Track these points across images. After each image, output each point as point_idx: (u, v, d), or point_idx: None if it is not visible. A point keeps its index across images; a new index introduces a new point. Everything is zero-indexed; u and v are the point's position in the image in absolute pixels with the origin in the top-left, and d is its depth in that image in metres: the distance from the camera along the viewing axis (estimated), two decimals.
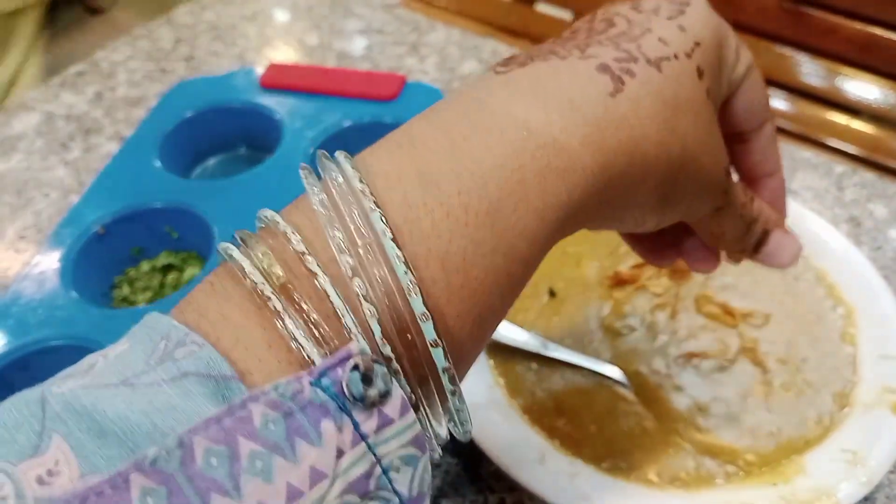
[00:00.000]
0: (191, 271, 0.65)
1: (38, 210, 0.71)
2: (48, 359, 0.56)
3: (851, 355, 0.53)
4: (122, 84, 0.85)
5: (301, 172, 0.27)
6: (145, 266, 0.65)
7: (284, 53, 0.88)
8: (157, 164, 0.69)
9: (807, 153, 0.72)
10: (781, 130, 1.20)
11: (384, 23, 0.92)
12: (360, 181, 0.25)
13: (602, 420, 0.51)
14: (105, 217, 0.65)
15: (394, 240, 0.24)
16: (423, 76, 0.83)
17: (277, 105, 0.74)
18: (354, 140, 0.72)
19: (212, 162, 0.77)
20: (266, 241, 0.25)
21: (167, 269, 0.65)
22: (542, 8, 1.41)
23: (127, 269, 0.66)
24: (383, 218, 0.24)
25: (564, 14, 1.33)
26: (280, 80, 0.76)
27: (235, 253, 0.25)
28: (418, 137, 0.27)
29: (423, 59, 0.85)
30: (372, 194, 0.25)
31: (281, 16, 0.95)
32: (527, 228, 0.26)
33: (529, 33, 1.41)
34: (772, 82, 1.25)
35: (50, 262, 0.61)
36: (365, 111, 0.73)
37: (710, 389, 0.52)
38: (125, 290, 0.64)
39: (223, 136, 0.76)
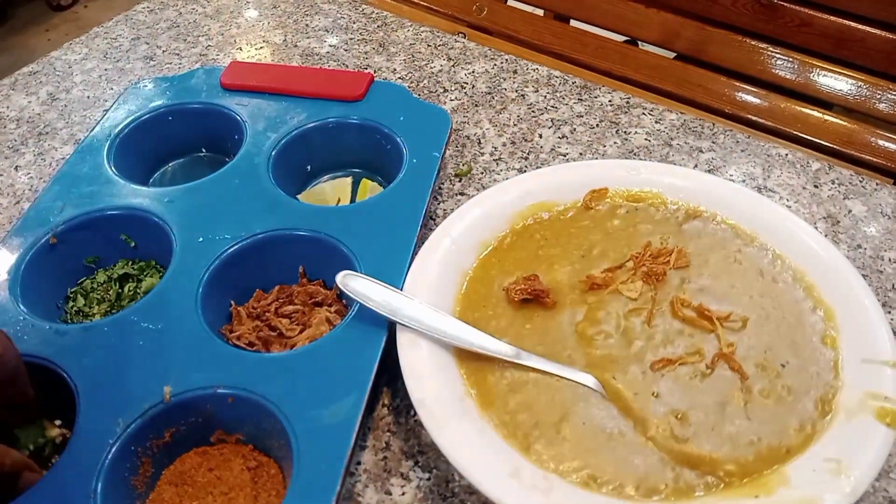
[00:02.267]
0: (149, 281, 0.62)
1: None
2: None
3: (833, 359, 0.51)
4: (78, 85, 0.81)
5: None
6: (101, 276, 0.62)
7: (248, 52, 0.85)
8: (113, 168, 0.67)
9: (783, 150, 0.71)
10: (755, 125, 1.20)
11: (351, 20, 0.89)
12: None
13: (577, 431, 0.49)
14: (57, 225, 0.62)
15: None
16: (392, 74, 0.80)
17: (239, 106, 0.71)
18: (319, 141, 0.70)
19: (171, 165, 0.74)
20: None
21: (124, 279, 0.62)
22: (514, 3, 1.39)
23: (81, 279, 0.63)
24: None
25: (537, 10, 1.31)
26: (242, 80, 0.73)
27: None
28: None
29: (391, 56, 0.83)
30: None
31: (245, 13, 0.92)
32: None
33: (502, 31, 1.39)
34: (745, 77, 1.25)
35: None
36: (330, 111, 0.70)
37: (688, 397, 0.50)
38: (80, 302, 0.61)
39: (183, 138, 0.73)
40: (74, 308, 0.61)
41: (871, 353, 0.51)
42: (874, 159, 1.13)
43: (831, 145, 1.16)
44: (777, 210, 0.60)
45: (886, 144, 1.14)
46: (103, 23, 0.91)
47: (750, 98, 1.24)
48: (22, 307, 0.56)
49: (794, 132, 1.19)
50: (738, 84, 1.25)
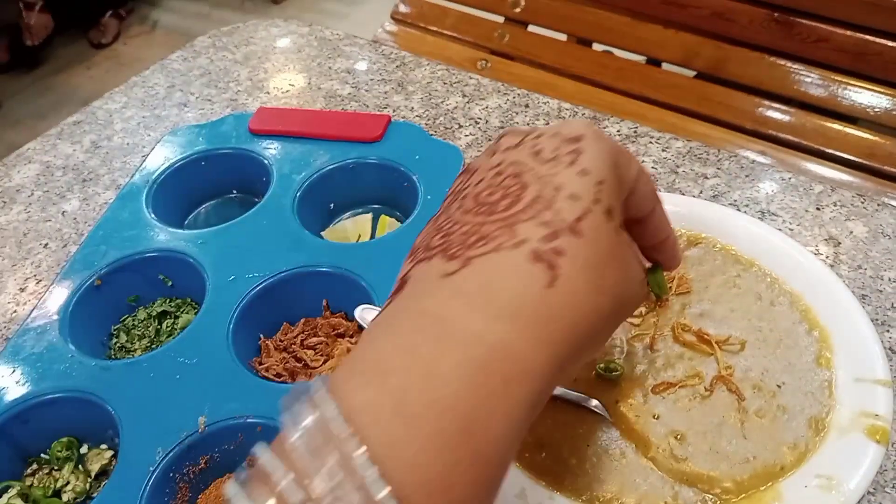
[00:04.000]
0: (185, 318, 0.67)
1: (37, 261, 0.73)
2: (47, 412, 0.58)
3: (827, 379, 0.54)
4: (118, 132, 0.87)
5: (282, 417, 0.28)
6: (142, 314, 0.67)
7: (275, 95, 0.90)
8: (151, 212, 0.72)
9: (787, 174, 0.73)
10: (777, 140, 1.21)
11: (371, 61, 0.94)
12: (343, 422, 0.27)
13: (582, 452, 0.52)
14: (101, 268, 0.67)
15: (381, 475, 0.26)
16: (409, 113, 0.85)
17: (266, 149, 0.76)
18: (340, 180, 0.74)
19: (206, 206, 0.79)
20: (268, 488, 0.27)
21: (163, 315, 0.67)
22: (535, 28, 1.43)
23: (124, 317, 0.68)
24: (369, 457, 0.26)
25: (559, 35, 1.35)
26: (268, 125, 0.78)
27: None
28: (389, 366, 0.29)
29: (409, 95, 0.87)
30: (355, 434, 0.26)
31: (271, 58, 0.97)
32: (498, 435, 0.28)
33: (524, 56, 1.43)
34: (765, 93, 1.26)
35: (48, 314, 0.63)
36: (350, 152, 0.75)
37: (687, 418, 0.53)
38: (122, 338, 0.66)
39: (215, 181, 0.78)
40: (118, 344, 0.66)
41: (863, 373, 0.53)
42: None
43: (854, 158, 1.17)
44: (775, 235, 0.62)
45: None
46: (141, 71, 0.97)
47: (770, 113, 1.26)
48: (71, 346, 0.61)
49: (816, 146, 1.20)
50: (758, 100, 1.27)
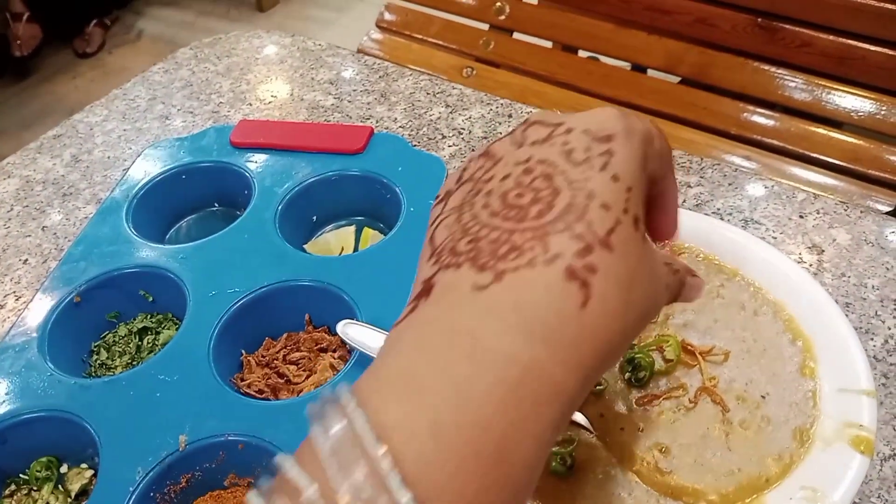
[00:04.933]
0: (167, 333, 0.66)
1: (16, 277, 0.73)
2: (26, 431, 0.57)
3: (811, 390, 0.54)
4: (99, 146, 0.87)
5: (311, 428, 0.28)
6: (122, 330, 0.67)
7: (257, 107, 0.90)
8: (131, 227, 0.71)
9: (769, 182, 0.73)
10: (761, 145, 1.22)
11: (354, 72, 0.94)
12: (376, 441, 0.26)
13: (565, 466, 0.52)
14: (81, 284, 0.66)
15: (413, 498, 0.25)
16: (392, 124, 0.84)
17: (247, 162, 0.76)
18: (323, 193, 0.74)
19: (187, 220, 0.78)
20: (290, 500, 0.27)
21: (144, 332, 0.67)
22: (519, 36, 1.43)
23: (104, 333, 0.67)
24: (403, 480, 0.25)
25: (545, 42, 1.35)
26: (250, 138, 0.77)
27: None
28: (422, 384, 0.28)
29: (392, 106, 0.87)
30: (388, 452, 0.26)
31: (253, 69, 0.97)
32: (528, 456, 0.28)
33: (509, 64, 1.43)
34: (750, 98, 1.27)
35: (28, 332, 0.63)
36: (333, 164, 0.74)
37: (672, 430, 0.53)
38: (103, 355, 0.65)
39: (196, 195, 0.77)
40: (98, 361, 0.65)
41: (847, 383, 0.53)
42: (881, 174, 1.14)
43: (838, 162, 1.18)
44: (758, 244, 0.62)
45: (893, 158, 1.15)
46: (126, 81, 0.96)
47: (755, 118, 1.27)
48: (49, 364, 0.60)
49: (801, 151, 1.21)
50: (742, 105, 1.27)
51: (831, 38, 1.21)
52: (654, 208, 0.40)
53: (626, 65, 1.41)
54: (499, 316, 0.30)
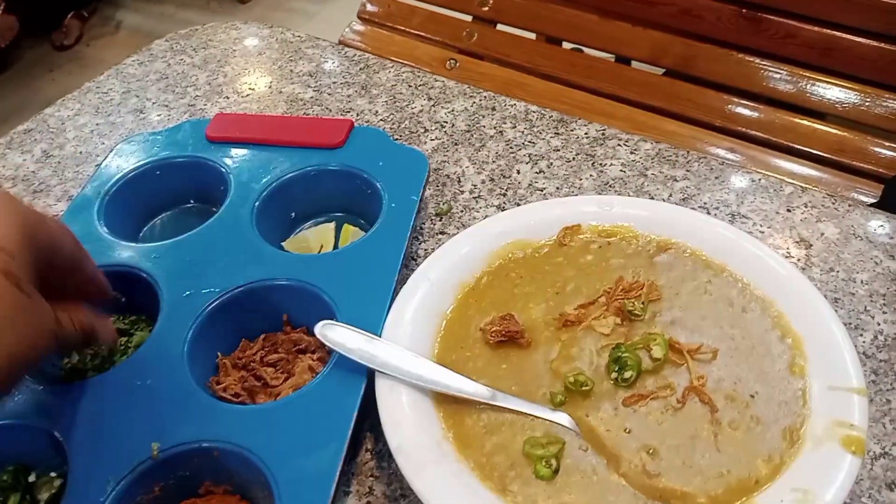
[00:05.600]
0: (140, 335, 0.64)
1: None
2: None
3: (801, 388, 0.52)
4: (71, 141, 0.84)
5: None
6: None
7: (234, 100, 0.88)
8: (103, 225, 0.69)
9: (756, 175, 0.72)
10: (746, 137, 1.21)
11: (334, 64, 0.91)
12: None
13: (552, 469, 0.50)
14: None
15: None
16: (373, 117, 0.82)
17: (224, 157, 0.74)
18: (301, 189, 0.72)
19: (161, 217, 0.76)
20: None
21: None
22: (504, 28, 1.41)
23: None
24: None
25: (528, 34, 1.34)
26: (226, 132, 0.75)
27: None
28: None
29: (373, 99, 0.85)
30: None
31: (231, 61, 0.94)
32: None
33: (492, 55, 1.41)
34: (734, 90, 1.26)
35: None
36: (312, 159, 0.72)
37: (660, 431, 0.51)
38: (74, 358, 0.63)
39: (171, 191, 0.75)
40: (69, 365, 0.63)
41: (838, 381, 0.52)
42: (865, 166, 1.14)
43: (823, 154, 1.17)
44: (745, 239, 0.61)
45: (877, 150, 1.15)
46: (95, 77, 0.94)
47: (739, 110, 1.26)
48: None
49: (786, 142, 1.20)
50: (726, 97, 1.26)
51: (816, 29, 1.20)
52: (77, 274, 0.51)
53: (610, 56, 1.40)
54: None
